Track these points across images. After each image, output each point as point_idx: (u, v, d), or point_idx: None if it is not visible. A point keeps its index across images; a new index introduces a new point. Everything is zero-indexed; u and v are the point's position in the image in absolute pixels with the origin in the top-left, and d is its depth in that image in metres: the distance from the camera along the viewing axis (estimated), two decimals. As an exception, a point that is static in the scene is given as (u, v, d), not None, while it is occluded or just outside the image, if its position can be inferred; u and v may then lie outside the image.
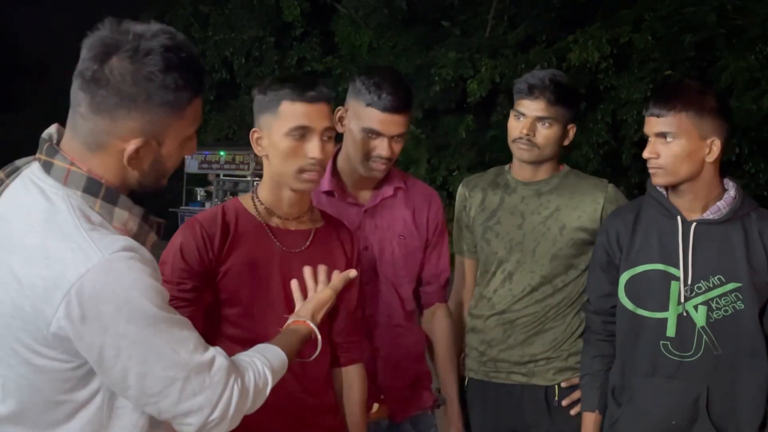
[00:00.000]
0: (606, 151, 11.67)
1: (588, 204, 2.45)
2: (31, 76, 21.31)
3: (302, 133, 1.84)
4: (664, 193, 2.20)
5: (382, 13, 14.21)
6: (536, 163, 2.49)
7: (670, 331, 2.14)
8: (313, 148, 1.84)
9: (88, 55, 1.27)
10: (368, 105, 2.16)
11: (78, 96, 1.29)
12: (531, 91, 2.43)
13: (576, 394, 2.44)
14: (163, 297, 1.29)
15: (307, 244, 1.95)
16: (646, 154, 2.12)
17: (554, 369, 2.47)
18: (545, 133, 2.43)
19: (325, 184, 2.29)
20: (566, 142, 2.51)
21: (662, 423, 2.15)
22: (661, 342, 2.15)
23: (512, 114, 2.50)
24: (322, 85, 1.88)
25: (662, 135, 2.10)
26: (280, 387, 1.88)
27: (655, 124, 2.11)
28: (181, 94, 1.29)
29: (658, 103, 2.11)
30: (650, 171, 2.14)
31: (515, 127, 2.47)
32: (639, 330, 2.19)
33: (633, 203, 2.34)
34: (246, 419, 1.83)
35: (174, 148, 1.36)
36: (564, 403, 2.46)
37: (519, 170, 2.55)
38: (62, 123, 1.36)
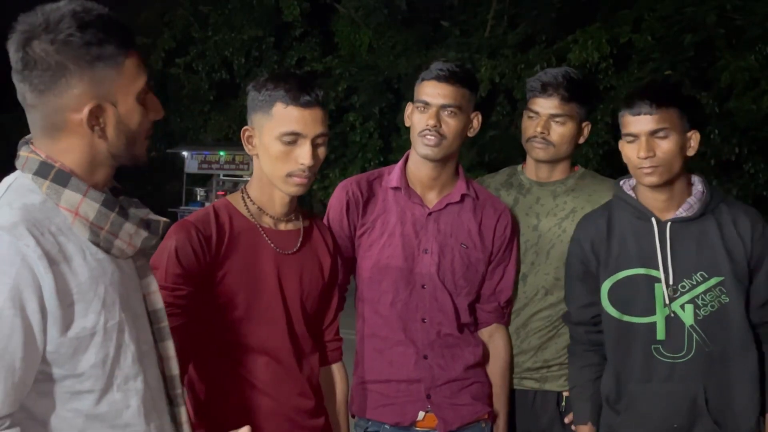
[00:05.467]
0: (606, 151, 11.65)
1: None
2: (31, 76, 21.25)
3: (293, 138, 1.81)
4: (632, 194, 2.19)
5: (381, 13, 14.19)
6: (552, 162, 2.45)
7: (660, 334, 2.12)
8: (303, 154, 1.81)
9: (12, 50, 1.30)
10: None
11: (21, 90, 1.32)
12: (544, 89, 2.40)
13: None
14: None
15: (298, 245, 1.94)
16: (642, 154, 2.07)
17: (566, 375, 2.44)
18: (560, 131, 2.40)
19: (394, 179, 2.29)
20: (581, 140, 2.47)
21: (664, 426, 2.13)
22: (653, 346, 2.13)
23: (525, 114, 2.46)
24: (318, 87, 1.85)
25: (655, 132, 2.07)
26: (277, 391, 1.88)
27: (647, 122, 2.07)
28: (107, 47, 1.30)
29: (646, 101, 2.08)
30: (644, 171, 2.09)
31: (529, 126, 2.43)
32: (628, 336, 2.17)
33: (602, 208, 2.30)
34: (241, 424, 1.83)
35: (131, 106, 1.35)
36: (566, 420, 2.44)
37: (534, 170, 2.51)
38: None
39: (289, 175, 1.83)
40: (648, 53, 10.95)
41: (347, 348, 2.19)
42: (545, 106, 2.40)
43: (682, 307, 2.12)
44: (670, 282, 2.11)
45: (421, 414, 2.27)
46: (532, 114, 2.43)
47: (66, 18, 1.28)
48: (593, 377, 2.29)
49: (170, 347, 1.50)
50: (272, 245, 1.89)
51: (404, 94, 13.66)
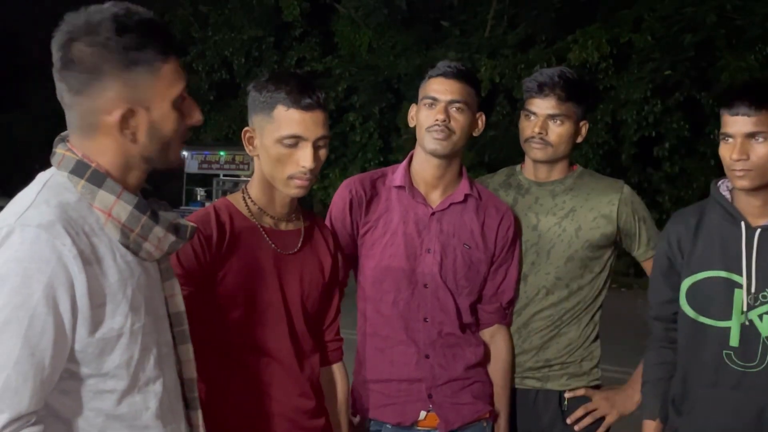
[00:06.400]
0: (605, 151, 11.68)
1: (603, 205, 2.40)
2: (31, 76, 21.28)
3: (295, 141, 1.80)
4: (728, 196, 2.13)
5: (381, 13, 14.22)
6: (550, 162, 2.44)
7: (734, 340, 2.05)
8: (304, 157, 1.80)
9: (54, 49, 1.31)
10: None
11: (60, 89, 1.33)
12: (541, 89, 2.38)
13: (580, 412, 2.42)
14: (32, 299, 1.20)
15: (299, 245, 1.94)
16: (735, 156, 1.98)
17: (568, 374, 2.43)
18: (558, 131, 2.38)
19: (398, 178, 2.28)
20: (579, 140, 2.45)
21: None
22: (724, 351, 2.07)
23: (522, 114, 2.45)
24: (318, 89, 1.84)
25: (752, 135, 1.99)
26: (277, 391, 1.88)
27: (744, 123, 1.99)
28: (146, 52, 1.30)
29: (746, 102, 1.99)
30: (737, 174, 2.01)
31: (527, 126, 2.42)
32: (701, 338, 2.11)
33: (696, 207, 2.24)
34: (242, 425, 1.82)
35: (166, 111, 1.34)
36: (568, 421, 2.43)
37: (532, 170, 2.50)
38: (61, 123, 1.38)
39: (291, 177, 1.83)
40: (648, 53, 10.98)
41: (347, 348, 2.19)
42: (542, 106, 2.40)
43: (761, 317, 2.04)
44: (752, 290, 2.05)
45: (423, 413, 2.27)
46: (529, 114, 2.43)
47: (106, 21, 1.28)
48: (666, 375, 2.23)
49: (189, 350, 1.50)
50: (273, 245, 1.88)
51: (404, 94, 13.68)
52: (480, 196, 2.32)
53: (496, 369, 2.36)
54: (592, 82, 11.48)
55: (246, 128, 1.89)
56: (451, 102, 2.21)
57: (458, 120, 2.22)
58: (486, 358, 2.35)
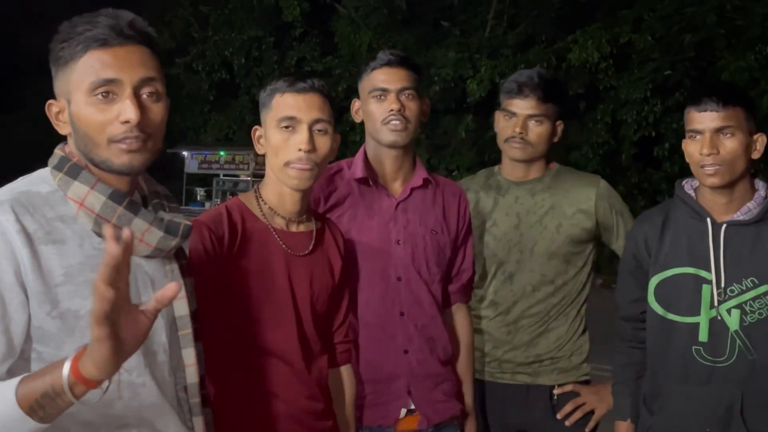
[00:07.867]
0: (605, 151, 11.69)
1: (582, 201, 2.45)
2: (31, 76, 21.29)
3: (290, 124, 1.81)
4: (693, 194, 2.15)
5: (381, 13, 14.24)
6: (528, 161, 2.49)
7: (702, 335, 2.08)
8: (300, 139, 1.80)
9: None
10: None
11: None
12: (521, 90, 2.43)
13: (569, 407, 2.44)
14: None
15: (311, 246, 1.93)
16: (705, 151, 2.01)
17: (558, 369, 2.47)
18: (537, 131, 2.43)
19: (359, 171, 2.25)
20: (556, 139, 2.50)
21: (696, 430, 2.08)
22: (693, 347, 2.09)
23: (501, 115, 2.49)
24: (318, 79, 1.86)
25: (721, 130, 2.03)
26: (286, 393, 1.87)
27: (712, 119, 2.03)
28: (66, 46, 1.34)
29: (713, 98, 2.03)
30: (707, 171, 2.03)
31: (506, 126, 2.47)
32: (670, 335, 2.13)
33: (661, 206, 2.28)
34: (250, 426, 1.81)
35: (80, 102, 1.35)
36: (559, 416, 2.45)
37: (510, 170, 2.54)
38: (60, 124, 1.40)
39: (287, 163, 1.82)
40: (648, 53, 10.98)
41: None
42: (522, 106, 2.44)
43: (729, 311, 2.07)
44: (721, 285, 2.07)
45: (403, 411, 2.24)
46: (509, 115, 2.46)
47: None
48: (636, 375, 2.25)
49: (191, 355, 1.50)
50: (284, 246, 1.88)
51: (404, 94, 13.68)
52: (436, 182, 2.32)
53: (461, 342, 2.36)
54: (592, 82, 11.49)
55: (255, 126, 1.91)
56: (401, 90, 2.19)
57: (411, 108, 2.19)
58: (454, 356, 2.35)
